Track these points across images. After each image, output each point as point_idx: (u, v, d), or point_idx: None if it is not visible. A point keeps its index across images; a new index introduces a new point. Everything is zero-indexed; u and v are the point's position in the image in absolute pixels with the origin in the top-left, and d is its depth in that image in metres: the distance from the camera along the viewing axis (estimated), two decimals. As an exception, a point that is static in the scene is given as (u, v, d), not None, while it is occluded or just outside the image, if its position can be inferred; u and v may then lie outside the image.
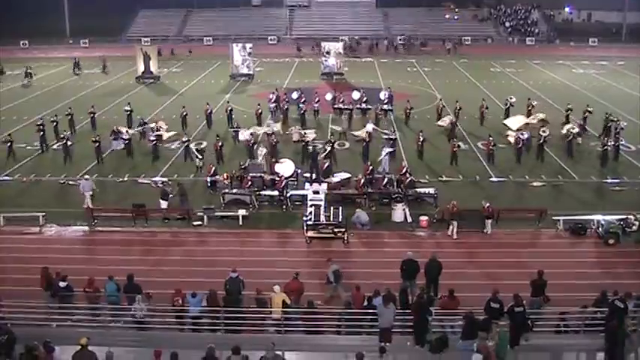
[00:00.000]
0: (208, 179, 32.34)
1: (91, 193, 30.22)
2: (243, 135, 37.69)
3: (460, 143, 37.08)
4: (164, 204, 29.54)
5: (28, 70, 64.11)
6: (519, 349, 17.79)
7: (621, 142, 37.17)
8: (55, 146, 39.18)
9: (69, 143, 36.82)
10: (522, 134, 37.20)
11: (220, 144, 36.18)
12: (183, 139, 37.20)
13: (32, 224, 28.50)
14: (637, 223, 26.56)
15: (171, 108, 49.58)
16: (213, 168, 32.63)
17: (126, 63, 68.31)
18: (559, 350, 18.23)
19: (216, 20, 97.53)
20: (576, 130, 38.59)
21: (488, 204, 27.45)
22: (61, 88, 59.98)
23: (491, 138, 36.66)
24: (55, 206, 30.26)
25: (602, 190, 32.87)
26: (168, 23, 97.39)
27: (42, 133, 38.73)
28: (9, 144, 37.02)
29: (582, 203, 30.81)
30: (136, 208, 29.09)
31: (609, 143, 36.34)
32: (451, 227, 27.18)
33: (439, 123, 42.37)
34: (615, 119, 40.22)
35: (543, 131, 36.93)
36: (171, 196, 29.84)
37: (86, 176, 31.57)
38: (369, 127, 39.54)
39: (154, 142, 37.30)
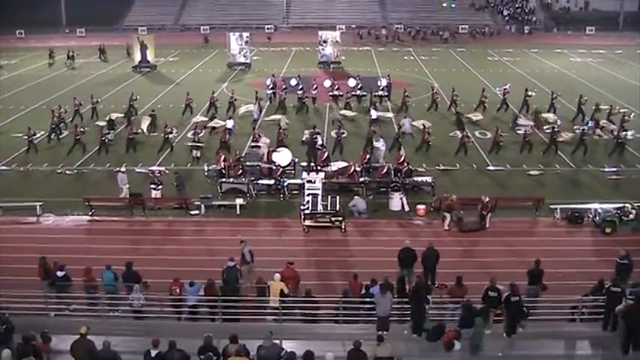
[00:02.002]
0: (206, 167, 32.29)
1: (128, 185, 30.04)
2: (229, 123, 37.78)
3: (457, 132, 36.85)
4: (154, 193, 29.55)
5: (70, 53, 65.51)
6: (516, 337, 17.88)
7: (627, 132, 36.41)
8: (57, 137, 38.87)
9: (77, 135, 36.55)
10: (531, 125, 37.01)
11: (227, 135, 36.01)
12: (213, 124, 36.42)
13: (30, 214, 28.47)
14: (634, 211, 26.61)
15: (168, 97, 49.50)
16: (223, 156, 32.47)
17: (123, 52, 68.22)
18: (557, 338, 18.29)
19: (212, 9, 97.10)
20: (590, 124, 37.84)
21: (487, 199, 27.27)
22: (57, 77, 59.77)
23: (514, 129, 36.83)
24: (52, 196, 30.19)
25: (599, 178, 32.89)
26: (164, 12, 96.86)
27: (54, 125, 38.42)
28: (30, 137, 36.37)
29: (580, 192, 30.86)
30: (133, 197, 29.10)
31: (621, 134, 35.77)
32: (445, 220, 27.12)
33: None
34: (589, 103, 40.51)
35: (557, 124, 36.60)
36: (160, 187, 29.73)
37: (122, 168, 31.18)
38: (374, 113, 39.57)
39: (168, 134, 36.67)
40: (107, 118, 39.75)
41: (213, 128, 39.21)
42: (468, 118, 41.13)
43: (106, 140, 36.56)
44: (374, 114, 39.88)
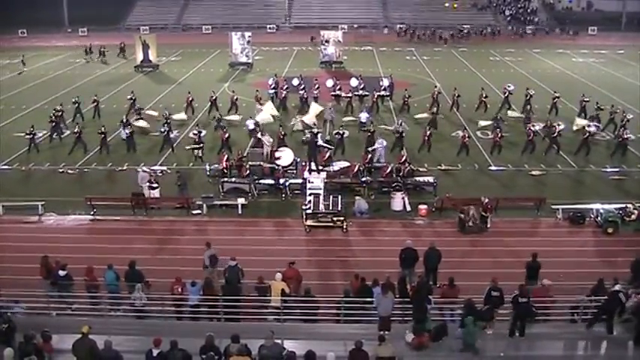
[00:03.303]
0: (208, 167, 32.36)
1: (148, 184, 29.96)
2: (250, 124, 37.75)
3: (460, 132, 36.71)
4: (152, 193, 29.56)
5: (102, 49, 69.00)
6: (517, 337, 17.87)
7: (628, 135, 35.87)
8: (58, 136, 38.80)
9: (75, 132, 36.59)
10: (534, 125, 36.71)
11: (227, 134, 36.01)
12: (194, 132, 36.64)
13: (31, 213, 28.50)
14: (636, 212, 26.58)
15: (170, 96, 49.47)
16: (226, 156, 32.50)
17: (128, 51, 68.20)
18: (558, 338, 18.27)
19: (214, 9, 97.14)
20: (593, 128, 37.33)
21: (487, 199, 27.18)
22: (59, 77, 59.79)
23: (498, 129, 36.66)
24: (54, 195, 30.21)
25: (601, 178, 32.86)
26: (166, 12, 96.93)
27: (54, 123, 38.39)
28: (31, 136, 36.33)
29: (582, 192, 30.84)
30: (135, 197, 29.11)
31: (625, 135, 35.56)
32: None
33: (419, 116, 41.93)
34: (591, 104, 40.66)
35: (558, 124, 36.53)
36: (155, 185, 29.74)
37: (144, 168, 31.26)
38: (363, 116, 39.52)
39: (166, 132, 36.61)
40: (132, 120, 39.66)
41: (219, 121, 39.65)
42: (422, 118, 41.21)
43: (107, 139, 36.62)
44: (363, 117, 39.75)
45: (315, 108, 40.47)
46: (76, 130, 36.71)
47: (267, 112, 40.45)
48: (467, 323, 16.93)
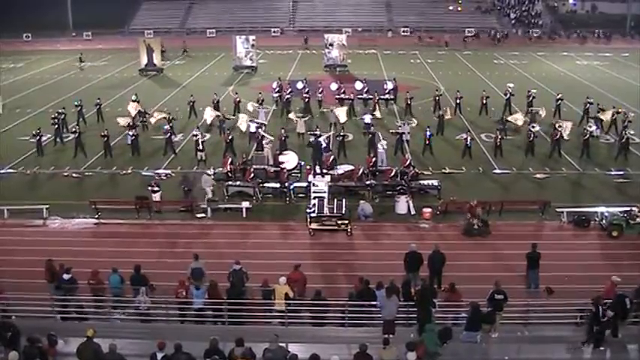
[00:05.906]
0: (212, 170, 32.37)
1: (211, 187, 29.97)
2: (252, 127, 37.80)
3: (464, 135, 36.62)
4: (154, 196, 29.56)
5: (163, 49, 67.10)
6: (522, 341, 17.83)
7: (630, 134, 36.01)
8: (60, 140, 38.84)
9: (74, 132, 36.74)
10: (533, 126, 36.68)
11: (230, 137, 36.02)
12: (194, 132, 36.73)
13: (36, 217, 28.54)
14: (641, 215, 26.54)
15: (174, 100, 49.52)
16: (230, 159, 32.52)
17: (129, 55, 68.36)
18: (563, 342, 18.22)
19: (218, 12, 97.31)
20: (594, 128, 37.46)
21: (475, 202, 27.08)
22: (63, 81, 59.98)
23: (498, 130, 36.63)
24: (58, 199, 30.26)
25: (605, 181, 32.79)
26: (170, 15, 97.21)
27: (57, 126, 38.41)
28: (38, 137, 36.46)
29: (586, 195, 30.78)
30: (139, 200, 29.14)
31: (628, 133, 35.59)
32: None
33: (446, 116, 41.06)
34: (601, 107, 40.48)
35: (560, 126, 36.50)
36: (158, 190, 29.74)
37: (208, 171, 31.35)
38: (367, 118, 39.49)
39: (169, 135, 36.75)
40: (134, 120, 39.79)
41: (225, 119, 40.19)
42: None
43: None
44: (367, 118, 39.67)
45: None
46: (73, 130, 36.88)
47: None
48: (427, 329, 16.75)
